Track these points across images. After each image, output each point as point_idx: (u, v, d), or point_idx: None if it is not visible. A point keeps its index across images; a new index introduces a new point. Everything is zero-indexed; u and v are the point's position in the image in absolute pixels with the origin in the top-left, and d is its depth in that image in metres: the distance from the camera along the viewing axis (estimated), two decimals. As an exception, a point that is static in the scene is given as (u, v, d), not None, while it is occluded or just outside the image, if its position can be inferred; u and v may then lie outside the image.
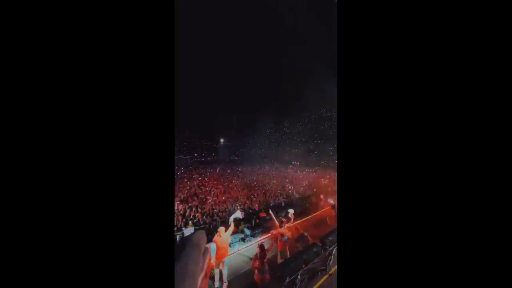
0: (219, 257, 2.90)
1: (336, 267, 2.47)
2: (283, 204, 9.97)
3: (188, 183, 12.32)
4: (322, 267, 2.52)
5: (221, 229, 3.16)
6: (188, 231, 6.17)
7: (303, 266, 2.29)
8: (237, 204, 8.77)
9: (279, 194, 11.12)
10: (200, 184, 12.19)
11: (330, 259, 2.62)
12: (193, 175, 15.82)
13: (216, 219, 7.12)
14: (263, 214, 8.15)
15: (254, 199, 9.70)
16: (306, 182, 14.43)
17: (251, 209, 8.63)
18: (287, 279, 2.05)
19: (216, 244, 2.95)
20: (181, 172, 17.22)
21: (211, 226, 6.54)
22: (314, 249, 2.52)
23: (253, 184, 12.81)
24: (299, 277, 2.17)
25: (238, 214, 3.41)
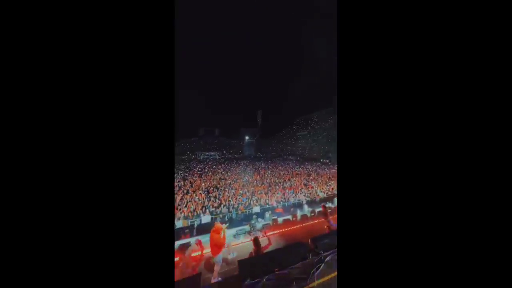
0: (213, 253, 2.77)
1: (322, 280, 1.66)
2: (304, 203, 9.34)
3: (212, 176, 13.31)
4: (302, 276, 1.68)
5: (224, 226, 3.01)
6: (206, 218, 6.68)
7: (276, 271, 1.67)
8: (253, 198, 8.81)
9: (299, 192, 10.46)
10: (222, 177, 12.95)
11: (320, 267, 1.79)
12: (219, 169, 17.00)
13: (231, 211, 7.39)
14: (278, 210, 7.88)
15: (272, 194, 9.50)
16: (334, 181, 12.97)
17: (268, 204, 8.49)
18: (247, 281, 1.51)
19: (214, 239, 2.82)
20: (208, 167, 18.86)
21: (226, 216, 6.86)
22: (300, 250, 1.88)
23: (272, 180, 12.57)
24: (264, 280, 1.58)
25: (219, 224, 3.10)
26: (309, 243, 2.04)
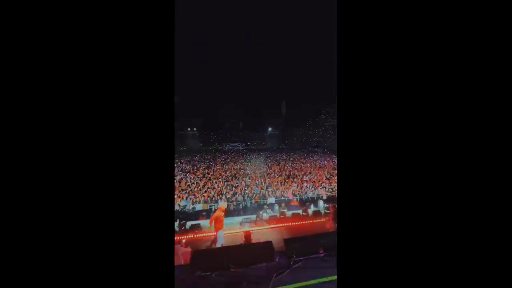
0: (216, 229, 3.42)
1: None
2: (324, 198, 8.73)
3: (233, 166, 14.03)
4: (257, 279, 1.44)
5: (223, 204, 3.70)
6: (222, 203, 7.30)
7: (232, 268, 1.52)
8: (269, 189, 8.86)
9: (319, 186, 9.79)
10: (242, 167, 13.47)
11: (281, 273, 1.51)
12: (240, 160, 17.73)
13: (246, 199, 7.70)
14: (294, 203, 7.67)
15: (289, 187, 9.27)
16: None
17: (284, 196, 8.38)
18: (198, 273, 1.49)
19: (216, 219, 3.45)
20: (231, 157, 19.94)
21: (241, 204, 7.24)
22: (269, 249, 1.62)
23: (292, 173, 12.19)
24: (213, 275, 1.50)
25: (224, 204, 3.80)
26: (283, 245, 1.80)
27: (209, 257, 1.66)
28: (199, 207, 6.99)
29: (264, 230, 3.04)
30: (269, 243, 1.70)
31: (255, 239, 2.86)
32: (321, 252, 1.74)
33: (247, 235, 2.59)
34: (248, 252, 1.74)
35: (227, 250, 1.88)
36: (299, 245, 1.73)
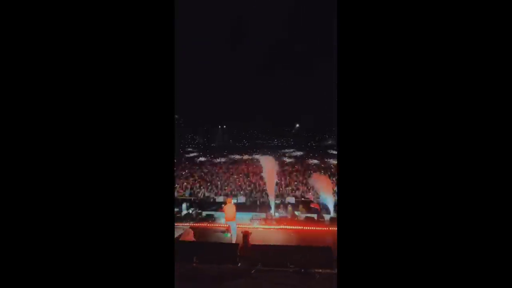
0: (227, 220, 3.86)
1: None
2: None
3: (257, 163, 14.32)
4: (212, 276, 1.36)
5: (229, 199, 4.14)
6: (241, 198, 7.66)
7: (195, 263, 1.67)
8: (287, 189, 8.64)
9: (347, 190, 8.73)
10: (264, 164, 13.55)
11: (236, 280, 1.45)
12: (264, 157, 17.83)
13: (263, 195, 7.82)
14: (314, 205, 7.18)
15: (310, 187, 8.72)
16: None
17: (304, 198, 7.98)
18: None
19: (224, 211, 3.94)
20: (255, 154, 20.34)
21: (259, 201, 7.43)
22: (234, 252, 1.63)
23: (314, 174, 11.34)
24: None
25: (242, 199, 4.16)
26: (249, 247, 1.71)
27: (180, 248, 1.80)
28: (220, 199, 7.61)
29: (268, 230, 3.03)
30: (236, 245, 1.70)
31: (255, 238, 2.92)
32: (290, 266, 1.59)
33: (245, 234, 2.68)
34: (215, 250, 1.83)
35: (195, 244, 2.03)
36: (269, 253, 1.64)
